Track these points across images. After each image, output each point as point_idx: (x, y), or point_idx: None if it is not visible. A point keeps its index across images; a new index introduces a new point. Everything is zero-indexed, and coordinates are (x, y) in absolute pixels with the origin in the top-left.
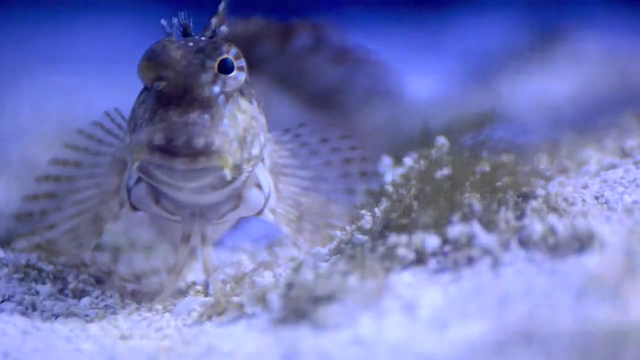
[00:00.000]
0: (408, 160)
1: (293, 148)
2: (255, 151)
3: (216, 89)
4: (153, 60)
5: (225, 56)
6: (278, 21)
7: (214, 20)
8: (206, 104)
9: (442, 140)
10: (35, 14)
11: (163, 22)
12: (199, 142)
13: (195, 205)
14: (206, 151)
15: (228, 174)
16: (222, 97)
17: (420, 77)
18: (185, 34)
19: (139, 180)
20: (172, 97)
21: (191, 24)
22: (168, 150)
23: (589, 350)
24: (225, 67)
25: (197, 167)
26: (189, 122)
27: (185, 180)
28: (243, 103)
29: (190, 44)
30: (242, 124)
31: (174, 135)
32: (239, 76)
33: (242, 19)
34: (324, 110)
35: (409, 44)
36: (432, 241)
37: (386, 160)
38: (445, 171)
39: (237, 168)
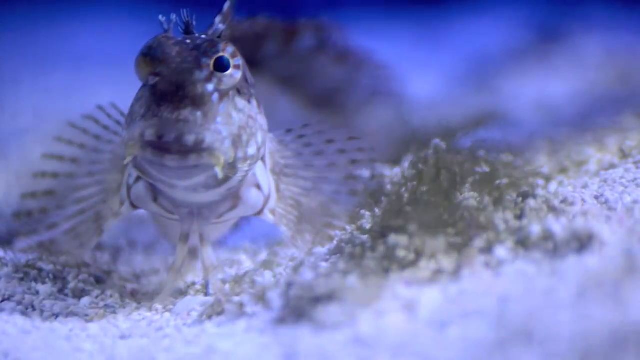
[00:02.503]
0: (407, 161)
1: (296, 148)
2: (251, 151)
3: (210, 86)
4: (148, 56)
5: (221, 54)
6: (282, 21)
7: (218, 19)
8: (199, 101)
9: (437, 142)
10: (35, 13)
11: (161, 18)
12: (190, 139)
13: (192, 204)
14: (197, 148)
15: (220, 172)
16: (216, 95)
17: (421, 76)
18: (188, 31)
19: (138, 178)
20: (165, 93)
21: (194, 22)
22: (159, 146)
23: (589, 350)
24: (221, 65)
25: (188, 164)
26: (180, 118)
27: (178, 177)
28: (240, 102)
29: (188, 41)
30: (238, 123)
31: (164, 132)
32: (235, 74)
33: (247, 18)
34: (326, 110)
35: (410, 43)
36: (431, 242)
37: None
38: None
39: (231, 167)
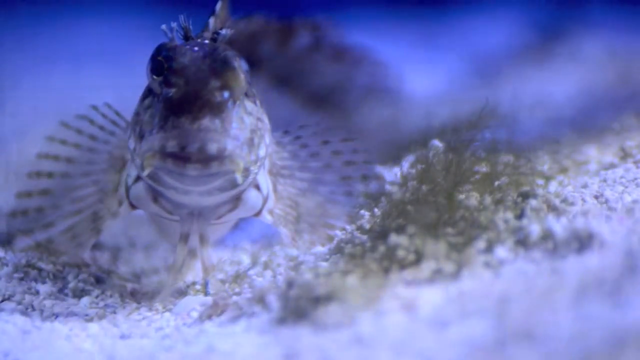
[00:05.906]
0: (407, 160)
1: (293, 150)
2: (261, 152)
3: (226, 93)
4: (162, 67)
5: (234, 64)
6: (278, 20)
7: (211, 21)
8: (217, 109)
9: (436, 142)
10: (35, 13)
11: (163, 27)
12: (212, 147)
13: (195, 206)
14: (219, 156)
15: (239, 177)
16: (231, 102)
17: (421, 75)
18: (186, 37)
19: (137, 178)
20: (183, 103)
21: (191, 26)
22: (181, 156)
23: (589, 350)
24: (235, 74)
25: (210, 172)
26: (202, 128)
27: (196, 184)
28: (248, 104)
29: (196, 48)
30: (249, 127)
31: (187, 142)
32: (246, 80)
33: (243, 18)
34: (323, 109)
35: (411, 42)
36: (432, 242)
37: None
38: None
39: (246, 170)
